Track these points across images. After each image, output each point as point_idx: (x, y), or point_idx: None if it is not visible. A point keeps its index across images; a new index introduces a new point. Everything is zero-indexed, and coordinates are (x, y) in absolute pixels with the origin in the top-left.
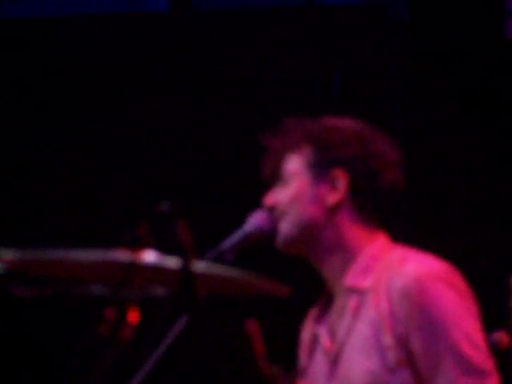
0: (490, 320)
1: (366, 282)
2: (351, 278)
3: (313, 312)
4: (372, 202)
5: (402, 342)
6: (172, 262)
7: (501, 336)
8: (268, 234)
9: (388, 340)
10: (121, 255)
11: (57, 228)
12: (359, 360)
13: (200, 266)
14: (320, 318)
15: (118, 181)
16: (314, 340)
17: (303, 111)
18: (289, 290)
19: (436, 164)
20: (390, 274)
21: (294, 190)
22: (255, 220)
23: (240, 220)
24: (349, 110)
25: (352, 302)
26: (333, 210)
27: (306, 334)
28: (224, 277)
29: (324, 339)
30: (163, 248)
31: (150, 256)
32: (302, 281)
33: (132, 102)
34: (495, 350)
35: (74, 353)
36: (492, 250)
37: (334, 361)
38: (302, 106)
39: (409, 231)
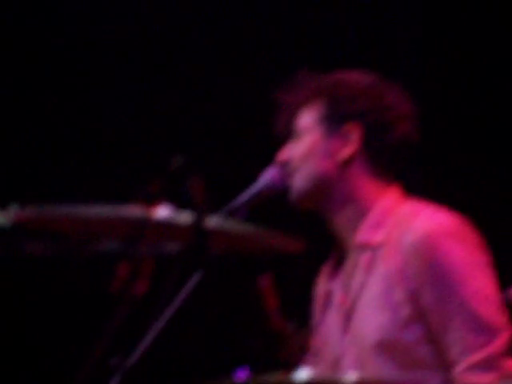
0: (506, 275)
1: (377, 238)
2: (363, 234)
3: (326, 268)
4: (385, 155)
5: (413, 298)
6: (185, 218)
7: None
8: (281, 190)
9: (399, 295)
10: (134, 211)
11: (70, 184)
12: (372, 315)
13: (213, 221)
14: (333, 274)
15: (132, 136)
16: (328, 296)
17: (317, 66)
18: (302, 245)
19: (450, 115)
20: (401, 228)
21: (307, 145)
22: (268, 176)
23: (253, 176)
24: (363, 64)
25: (364, 257)
26: (345, 164)
27: (319, 290)
28: (237, 232)
29: (338, 295)
30: (176, 203)
31: (162, 211)
32: (315, 237)
33: (145, 54)
34: (510, 305)
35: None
36: (508, 202)
37: (348, 316)
38: (316, 61)
39: (422, 184)
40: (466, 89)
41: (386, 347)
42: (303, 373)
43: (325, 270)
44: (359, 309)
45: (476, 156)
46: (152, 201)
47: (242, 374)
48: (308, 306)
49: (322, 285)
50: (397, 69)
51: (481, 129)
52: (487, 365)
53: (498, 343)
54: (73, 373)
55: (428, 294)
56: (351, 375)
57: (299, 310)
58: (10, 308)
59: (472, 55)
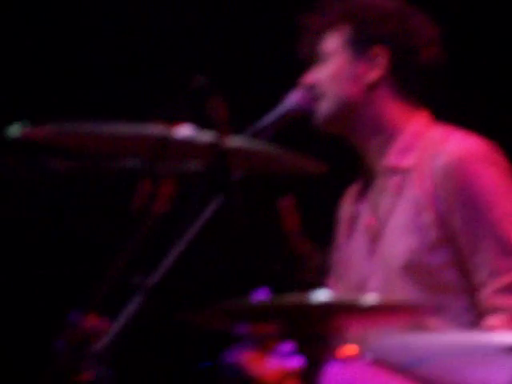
0: None
1: (407, 161)
2: (392, 158)
3: (351, 191)
4: (412, 78)
5: (443, 220)
6: (206, 137)
7: None
8: (307, 113)
9: (429, 218)
10: (156, 129)
11: (93, 101)
12: (400, 238)
13: (235, 141)
14: (360, 197)
15: (154, 55)
16: (354, 218)
17: None
18: (324, 167)
19: (482, 40)
20: (432, 152)
21: (333, 69)
22: (294, 98)
23: (278, 99)
24: None
25: (394, 180)
26: (372, 88)
27: (344, 212)
28: (259, 153)
29: (365, 216)
30: (198, 123)
31: (184, 130)
32: (339, 160)
33: None
34: None
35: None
36: None
37: (375, 238)
38: None
39: (451, 109)
40: (498, 15)
41: (412, 270)
42: (321, 294)
43: (350, 193)
44: (387, 231)
45: (505, 84)
46: (173, 119)
47: (261, 295)
48: (329, 228)
49: (347, 207)
50: None
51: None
52: None
53: None
54: (92, 290)
55: (457, 217)
56: (369, 297)
57: (320, 232)
58: (28, 222)
59: None
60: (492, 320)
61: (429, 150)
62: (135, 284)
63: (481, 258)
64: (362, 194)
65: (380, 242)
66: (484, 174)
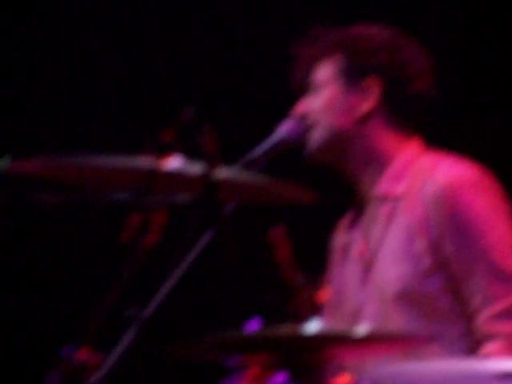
0: None
1: (398, 189)
2: (384, 186)
3: (344, 221)
4: (404, 109)
5: (436, 247)
6: (196, 169)
7: None
8: (298, 143)
9: (421, 245)
10: (145, 161)
11: (81, 134)
12: (393, 266)
13: (225, 172)
14: (352, 227)
15: (145, 87)
16: (346, 247)
17: (335, 20)
18: (314, 197)
19: (472, 66)
20: (422, 180)
21: (326, 99)
22: (285, 128)
23: (271, 129)
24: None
25: (385, 208)
26: (365, 119)
27: (337, 242)
28: (249, 183)
29: (357, 246)
30: (188, 154)
31: (174, 162)
32: (330, 189)
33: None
34: None
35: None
36: None
37: (368, 267)
38: (334, 15)
39: (444, 136)
40: (488, 40)
41: (406, 298)
42: (314, 325)
43: (343, 223)
44: (379, 260)
45: (497, 109)
46: (163, 151)
47: (253, 326)
48: (320, 258)
49: (339, 237)
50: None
51: (504, 83)
52: (510, 314)
53: None
54: (85, 325)
55: (450, 244)
56: (362, 328)
57: (311, 263)
58: (18, 257)
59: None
60: (489, 347)
61: (419, 177)
62: (129, 317)
63: (475, 285)
64: (355, 223)
65: (373, 270)
66: (475, 200)
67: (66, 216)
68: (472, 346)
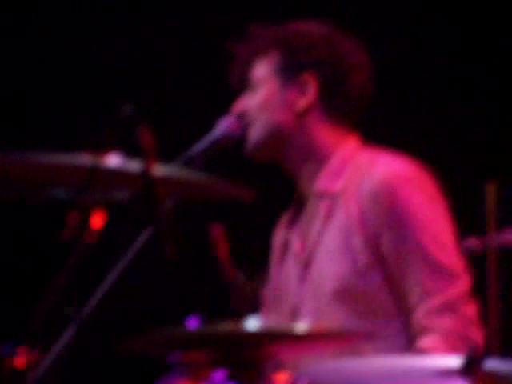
0: (466, 226)
1: (336, 186)
2: (322, 183)
3: (284, 217)
4: (342, 104)
5: (372, 245)
6: (135, 166)
7: (474, 242)
8: (237, 140)
9: (358, 243)
10: (84, 159)
11: (20, 132)
12: (330, 264)
13: (164, 169)
14: (292, 223)
15: (82, 84)
16: (286, 245)
17: (271, 17)
18: (253, 194)
19: (411, 64)
20: (360, 176)
21: (263, 96)
22: (224, 126)
23: (209, 127)
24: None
25: (324, 205)
26: (302, 115)
27: (277, 239)
28: (189, 181)
29: (295, 243)
30: (127, 152)
31: (112, 160)
32: (270, 186)
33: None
34: (469, 255)
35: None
36: (468, 155)
37: (306, 265)
38: (270, 11)
39: (382, 133)
40: (424, 38)
41: (344, 295)
42: (254, 322)
43: (283, 220)
44: (317, 257)
45: (437, 109)
46: (102, 149)
47: (192, 323)
48: (259, 255)
49: (280, 234)
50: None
51: (443, 80)
52: (447, 309)
53: (458, 288)
54: (25, 322)
55: (387, 240)
56: (302, 324)
57: (250, 259)
58: None
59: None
60: (424, 341)
61: (357, 173)
62: (68, 315)
63: (411, 281)
64: (295, 220)
65: (311, 267)
66: (410, 198)
67: (4, 213)
68: (410, 342)
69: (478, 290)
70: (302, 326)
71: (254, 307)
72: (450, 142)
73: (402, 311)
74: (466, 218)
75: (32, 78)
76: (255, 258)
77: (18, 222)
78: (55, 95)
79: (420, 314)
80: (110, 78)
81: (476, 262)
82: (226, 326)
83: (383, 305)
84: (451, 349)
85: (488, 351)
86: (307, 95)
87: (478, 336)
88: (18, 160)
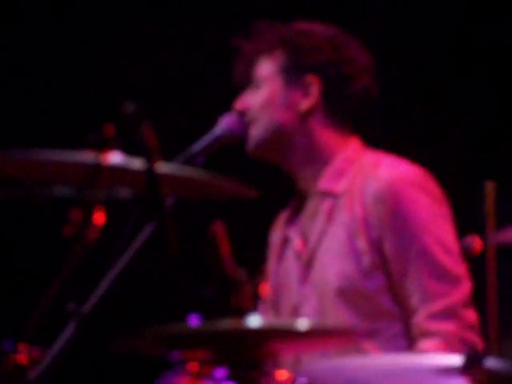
0: (465, 225)
1: (339, 186)
2: (325, 182)
3: (283, 215)
4: (344, 107)
5: (376, 246)
6: (137, 164)
7: (474, 240)
8: (239, 138)
9: (362, 244)
10: (86, 156)
11: (22, 129)
12: (334, 263)
13: (166, 167)
14: (291, 221)
15: (84, 82)
16: (285, 242)
17: (278, 16)
18: (255, 192)
19: (411, 69)
20: (364, 178)
21: (266, 95)
22: (226, 123)
23: (211, 123)
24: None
25: (325, 205)
26: (305, 116)
27: (275, 237)
28: (190, 178)
29: (296, 242)
30: (129, 149)
31: (115, 157)
32: (271, 184)
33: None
34: (468, 255)
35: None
36: (467, 155)
37: (307, 264)
38: (277, 11)
39: (383, 136)
40: (427, 42)
41: (346, 295)
42: (254, 319)
43: (282, 217)
44: (320, 256)
45: (437, 110)
46: (104, 147)
47: (193, 321)
48: (261, 253)
49: (278, 231)
50: (359, 22)
51: (442, 82)
52: (447, 313)
53: (460, 292)
54: (26, 319)
55: (390, 242)
56: (303, 322)
57: (252, 257)
58: None
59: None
60: (424, 344)
61: (360, 175)
62: (69, 312)
63: (414, 284)
64: (293, 218)
65: (312, 267)
66: (415, 200)
67: (7, 210)
68: (411, 344)
69: (477, 289)
70: (303, 323)
71: (256, 304)
72: (449, 141)
73: (404, 313)
74: (466, 217)
75: (34, 75)
76: (256, 255)
77: (21, 219)
78: (58, 93)
79: (421, 317)
80: (111, 75)
81: (475, 261)
82: (226, 324)
83: (385, 306)
84: (451, 352)
85: (487, 350)
86: (310, 97)
87: (477, 340)
88: (21, 157)
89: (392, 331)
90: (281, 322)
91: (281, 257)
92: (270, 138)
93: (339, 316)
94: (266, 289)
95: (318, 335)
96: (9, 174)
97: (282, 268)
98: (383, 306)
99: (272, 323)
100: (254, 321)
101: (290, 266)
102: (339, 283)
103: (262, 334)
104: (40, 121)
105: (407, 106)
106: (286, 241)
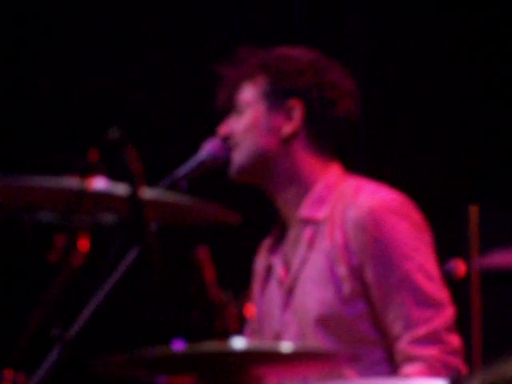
0: (449, 249)
1: (320, 213)
2: (306, 209)
3: (267, 242)
4: (327, 132)
5: (357, 273)
6: (121, 189)
7: (457, 264)
8: (222, 163)
9: (343, 271)
10: (71, 182)
11: (6, 155)
12: (314, 290)
13: (150, 192)
14: (274, 249)
15: (69, 107)
16: (268, 270)
17: (259, 41)
18: (239, 217)
19: (394, 93)
20: (345, 204)
21: (249, 120)
22: (210, 148)
23: (194, 149)
24: (309, 39)
25: (307, 232)
26: (288, 141)
27: (259, 265)
28: (174, 204)
29: (278, 269)
30: (113, 175)
31: (99, 183)
32: (254, 210)
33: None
34: (451, 278)
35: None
36: (450, 179)
37: (289, 291)
38: (258, 37)
39: (364, 162)
40: (411, 66)
41: (327, 322)
42: (239, 341)
43: (265, 245)
44: (301, 284)
45: (419, 134)
46: (88, 172)
47: (178, 345)
48: (244, 277)
49: (262, 259)
50: (341, 47)
51: (424, 107)
52: (431, 338)
53: (442, 317)
54: (10, 345)
55: (371, 269)
56: (288, 344)
57: (235, 282)
58: None
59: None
60: (408, 369)
61: (341, 202)
62: (54, 337)
63: (396, 311)
64: (276, 246)
65: (294, 295)
66: (396, 227)
67: None
68: (394, 369)
69: (461, 313)
70: (287, 346)
71: (240, 327)
72: (433, 165)
73: (386, 340)
74: (449, 241)
75: (18, 101)
76: (240, 279)
77: (5, 245)
78: (42, 118)
79: (404, 343)
80: (96, 101)
81: (459, 285)
82: (210, 347)
83: (367, 333)
84: (435, 377)
85: (471, 372)
86: (293, 121)
87: (461, 365)
88: (5, 183)
89: (373, 357)
90: (265, 344)
91: (265, 285)
92: (252, 162)
93: (320, 343)
94: (251, 309)
95: (302, 358)
96: None
97: (266, 296)
98: (364, 333)
99: (256, 345)
100: (238, 343)
101: (274, 294)
102: (319, 310)
103: (245, 357)
104: (24, 146)
105: (389, 131)
106: (269, 269)
